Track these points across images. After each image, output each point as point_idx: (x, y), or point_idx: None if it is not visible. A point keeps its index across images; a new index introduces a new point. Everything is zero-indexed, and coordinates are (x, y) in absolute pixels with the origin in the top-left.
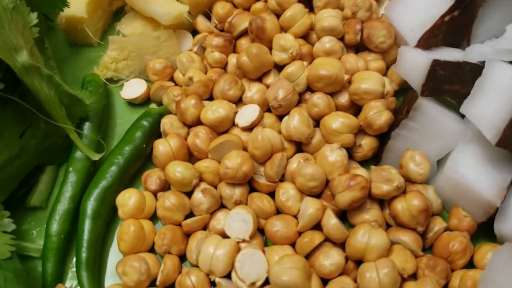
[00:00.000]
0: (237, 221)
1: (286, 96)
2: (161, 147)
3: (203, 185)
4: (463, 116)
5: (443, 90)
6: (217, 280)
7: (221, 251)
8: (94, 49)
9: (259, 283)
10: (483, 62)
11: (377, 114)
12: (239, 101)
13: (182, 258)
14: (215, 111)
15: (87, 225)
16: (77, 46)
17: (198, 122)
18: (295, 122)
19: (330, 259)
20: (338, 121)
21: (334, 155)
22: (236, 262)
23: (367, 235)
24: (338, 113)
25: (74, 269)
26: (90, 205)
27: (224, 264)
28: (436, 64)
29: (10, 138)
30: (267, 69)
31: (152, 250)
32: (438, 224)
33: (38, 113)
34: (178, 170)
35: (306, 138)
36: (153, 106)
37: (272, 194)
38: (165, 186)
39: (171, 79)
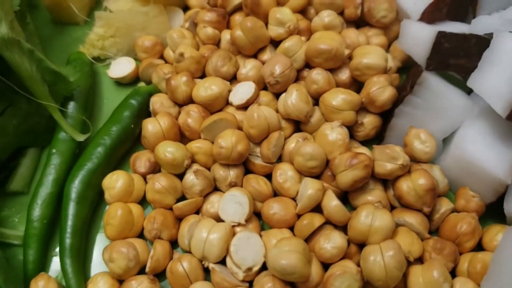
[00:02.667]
0: (232, 204)
1: (283, 71)
2: (151, 126)
3: (195, 166)
4: (469, 93)
5: (449, 64)
6: (211, 266)
7: (215, 235)
8: (80, 27)
9: (255, 268)
10: (490, 35)
11: (380, 89)
12: (233, 79)
13: (174, 244)
14: (207, 88)
15: (71, 209)
16: (62, 24)
17: (189, 100)
18: (293, 99)
19: (332, 242)
20: (338, 98)
21: (334, 133)
22: (231, 247)
23: (370, 216)
24: (338, 89)
25: (57, 256)
26: (74, 188)
27: (218, 249)
28: (442, 36)
29: None
30: (263, 44)
31: (141, 236)
32: (444, 205)
33: (20, 91)
34: (169, 150)
35: (305, 116)
36: (142, 85)
37: (268, 176)
38: (155, 169)
39: (161, 57)
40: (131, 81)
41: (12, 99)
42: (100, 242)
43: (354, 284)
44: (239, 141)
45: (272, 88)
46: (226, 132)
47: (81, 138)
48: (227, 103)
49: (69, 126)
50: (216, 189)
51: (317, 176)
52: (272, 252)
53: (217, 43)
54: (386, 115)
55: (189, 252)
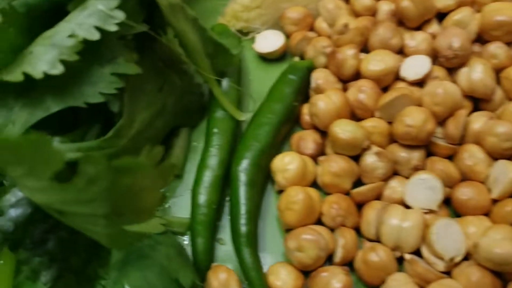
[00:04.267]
0: (422, 189)
1: (462, 44)
2: (322, 103)
3: (375, 148)
4: None
5: None
6: (407, 256)
7: (409, 223)
8: None
9: (458, 258)
10: None
11: None
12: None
13: None
14: (379, 62)
15: (243, 193)
16: None
17: (354, 76)
18: (480, 73)
19: None
20: None
21: None
22: (431, 235)
23: None
24: None
25: (223, 245)
26: (244, 170)
27: (414, 238)
28: None
29: (152, 92)
30: (430, 16)
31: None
32: None
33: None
34: (347, 129)
35: (491, 93)
36: (296, 59)
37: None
38: (321, 150)
39: (311, 29)
40: (279, 56)
41: (165, 75)
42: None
43: None
44: (428, 119)
45: (448, 62)
46: (412, 110)
47: (243, 117)
48: (396, 78)
49: (230, 104)
50: (394, 173)
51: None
52: (484, 241)
53: (373, 15)
54: None
55: (376, 241)
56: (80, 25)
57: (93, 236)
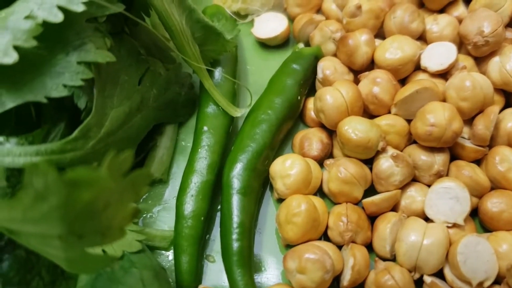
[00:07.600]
0: (446, 200)
1: (495, 30)
2: (330, 97)
3: (391, 150)
4: None
5: None
6: (428, 279)
7: (430, 240)
8: None
9: (488, 283)
10: None
11: None
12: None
13: None
14: (396, 49)
15: (236, 202)
16: None
17: (368, 66)
18: None
19: None
20: None
21: None
22: (456, 255)
23: None
24: None
25: (213, 263)
26: (238, 175)
27: (436, 257)
28: None
29: (128, 84)
30: None
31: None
32: None
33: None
34: (359, 128)
35: None
36: (301, 46)
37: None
38: (328, 152)
39: (318, 12)
40: (281, 42)
41: (148, 63)
42: (261, 245)
43: None
44: (453, 117)
45: (478, 50)
46: (434, 106)
47: (238, 113)
48: (416, 68)
49: (223, 97)
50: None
51: None
52: None
53: None
54: None
55: (391, 260)
56: (39, 4)
57: (51, 259)
